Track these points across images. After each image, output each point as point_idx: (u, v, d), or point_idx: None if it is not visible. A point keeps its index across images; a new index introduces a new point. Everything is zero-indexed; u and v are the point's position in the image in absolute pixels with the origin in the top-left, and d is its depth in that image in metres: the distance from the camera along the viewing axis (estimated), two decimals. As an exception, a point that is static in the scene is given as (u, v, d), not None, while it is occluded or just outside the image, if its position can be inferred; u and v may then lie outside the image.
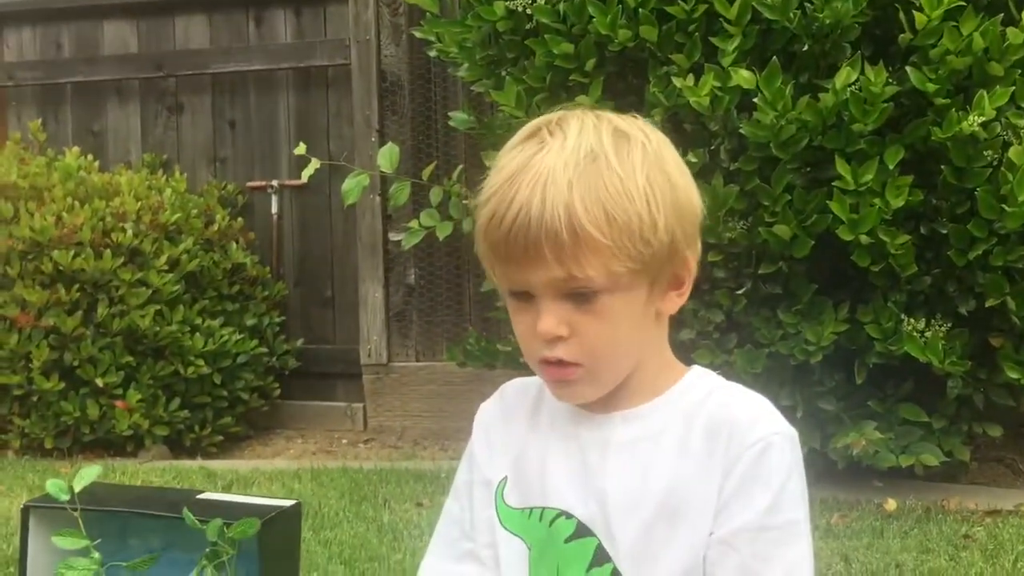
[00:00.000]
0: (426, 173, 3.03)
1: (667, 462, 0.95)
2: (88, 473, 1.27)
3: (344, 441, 3.99)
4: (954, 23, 2.37)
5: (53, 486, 1.27)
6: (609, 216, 0.88)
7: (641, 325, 0.95)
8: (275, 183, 4.28)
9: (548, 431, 1.01)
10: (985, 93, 2.34)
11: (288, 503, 1.36)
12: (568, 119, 0.94)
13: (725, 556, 0.92)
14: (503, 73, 2.89)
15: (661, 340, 1.00)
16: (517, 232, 0.88)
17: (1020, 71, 2.40)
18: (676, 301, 0.98)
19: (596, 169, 0.89)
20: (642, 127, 0.95)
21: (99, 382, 3.49)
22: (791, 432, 0.95)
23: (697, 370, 1.01)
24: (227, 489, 2.98)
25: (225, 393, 3.82)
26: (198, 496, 1.39)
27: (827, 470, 2.78)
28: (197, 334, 3.67)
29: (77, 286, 3.46)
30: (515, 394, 1.06)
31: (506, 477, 1.01)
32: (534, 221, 0.87)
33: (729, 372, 2.83)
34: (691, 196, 0.96)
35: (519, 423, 1.03)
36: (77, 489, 1.27)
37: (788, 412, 2.67)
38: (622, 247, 0.89)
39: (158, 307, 3.57)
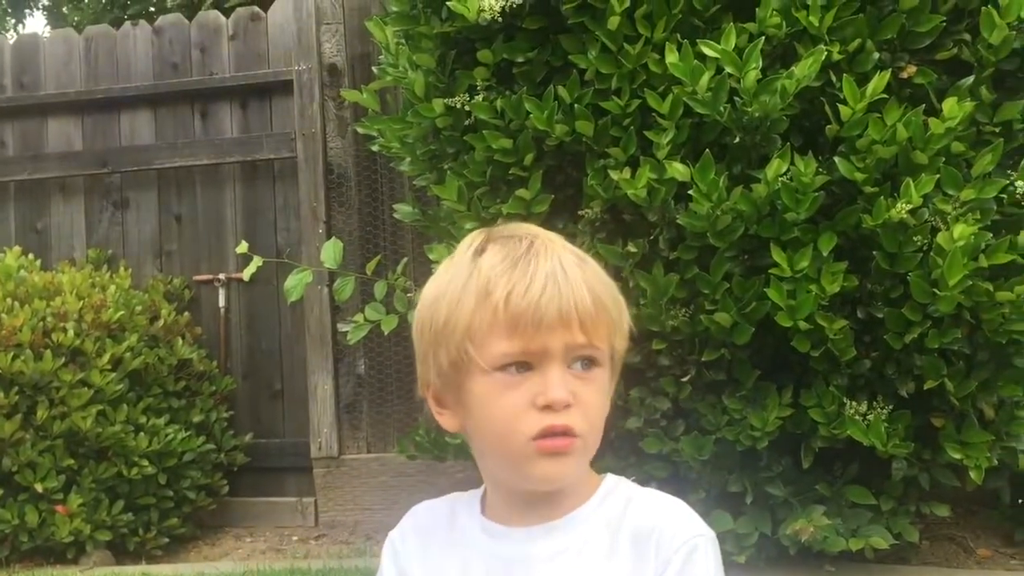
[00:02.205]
0: (370, 267, 3.03)
1: (596, 573, 0.95)
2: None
3: (295, 538, 3.91)
4: (878, 114, 2.44)
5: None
6: (611, 296, 0.97)
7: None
8: (222, 276, 4.26)
9: (466, 550, 1.00)
10: (911, 181, 2.40)
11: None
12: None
13: None
14: (444, 167, 2.92)
15: None
16: (550, 297, 0.92)
17: (944, 159, 2.47)
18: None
19: (586, 261, 0.99)
20: None
21: (38, 487, 3.40)
22: (712, 534, 0.97)
23: (611, 478, 1.03)
24: (170, 597, 2.90)
25: (171, 493, 3.74)
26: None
27: (779, 556, 2.77)
28: (141, 433, 3.61)
29: (16, 389, 3.39)
30: (427, 515, 1.05)
31: None
32: (563, 288, 0.93)
33: (677, 459, 2.83)
34: None
35: (435, 542, 1.02)
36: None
37: (737, 498, 2.71)
38: (619, 325, 0.97)
39: (100, 407, 3.51)
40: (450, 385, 0.97)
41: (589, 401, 0.94)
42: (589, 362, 0.95)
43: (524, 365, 0.93)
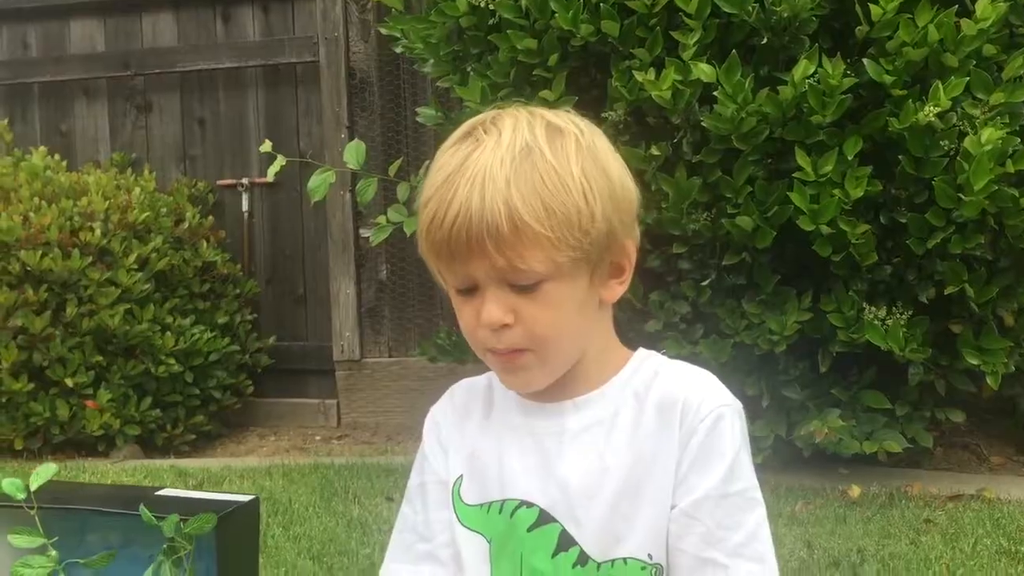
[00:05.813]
0: (392, 169, 3.04)
1: (623, 443, 0.97)
2: (45, 471, 1.28)
3: (317, 438, 4.00)
4: (909, 15, 2.40)
5: (9, 485, 1.27)
6: (548, 209, 0.91)
7: (585, 312, 0.97)
8: (245, 181, 4.28)
9: (501, 426, 1.02)
10: (940, 84, 2.37)
11: (246, 498, 1.37)
12: (502, 117, 0.96)
13: (689, 527, 0.94)
14: (468, 69, 2.90)
15: (606, 327, 1.02)
16: (459, 230, 0.90)
17: (974, 62, 2.43)
18: (617, 289, 1.00)
19: (532, 163, 0.92)
20: (574, 120, 0.97)
21: (69, 382, 3.48)
22: (738, 404, 0.98)
23: (641, 352, 1.04)
24: (198, 488, 2.98)
25: (197, 391, 3.82)
26: (157, 492, 1.39)
27: (793, 458, 2.82)
28: (168, 333, 3.67)
29: (45, 286, 3.45)
30: (465, 393, 1.07)
31: (462, 476, 1.02)
32: (475, 218, 0.90)
33: (696, 362, 2.85)
34: (626, 185, 0.98)
35: (472, 421, 1.05)
36: (33, 487, 1.27)
37: (754, 401, 2.74)
38: (562, 238, 0.91)
39: (128, 306, 3.57)
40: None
41: (534, 317, 0.93)
42: (529, 283, 0.92)
43: (469, 289, 0.94)
